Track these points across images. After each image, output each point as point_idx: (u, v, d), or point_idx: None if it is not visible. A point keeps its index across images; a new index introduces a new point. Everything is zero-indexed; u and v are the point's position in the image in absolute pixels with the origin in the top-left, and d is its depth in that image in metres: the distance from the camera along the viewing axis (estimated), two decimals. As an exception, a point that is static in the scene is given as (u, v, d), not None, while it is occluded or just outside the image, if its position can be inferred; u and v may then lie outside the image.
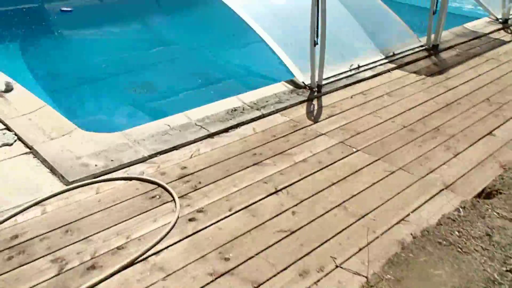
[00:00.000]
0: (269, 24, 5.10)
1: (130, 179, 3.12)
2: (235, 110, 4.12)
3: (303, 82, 4.71)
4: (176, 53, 6.95)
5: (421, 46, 6.04)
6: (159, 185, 3.07)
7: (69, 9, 7.46)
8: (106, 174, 3.13)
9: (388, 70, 5.35)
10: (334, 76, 4.97)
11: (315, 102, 4.53)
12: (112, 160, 3.24)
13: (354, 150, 3.74)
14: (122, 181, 3.11)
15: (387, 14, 6.21)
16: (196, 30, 7.90)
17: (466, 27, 7.16)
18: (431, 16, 5.93)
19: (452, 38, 6.62)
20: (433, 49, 6.03)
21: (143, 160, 3.33)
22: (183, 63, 6.52)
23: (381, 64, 5.44)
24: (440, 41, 6.09)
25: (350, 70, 5.15)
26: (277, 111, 4.23)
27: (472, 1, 8.30)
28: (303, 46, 5.13)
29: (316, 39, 4.44)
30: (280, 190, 3.16)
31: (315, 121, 4.16)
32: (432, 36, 6.03)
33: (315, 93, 4.62)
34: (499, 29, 7.20)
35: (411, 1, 9.16)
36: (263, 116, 4.12)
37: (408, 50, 5.88)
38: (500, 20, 7.45)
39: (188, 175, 3.25)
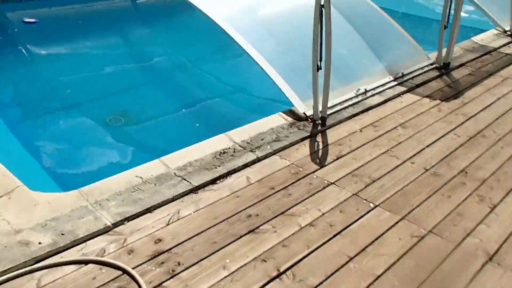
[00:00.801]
0: (259, 40, 4.36)
1: (86, 262, 2.34)
2: (225, 152, 3.35)
3: (304, 113, 3.97)
4: (157, 72, 6.13)
5: (431, 64, 5.36)
6: (125, 271, 2.29)
7: (32, 20, 6.59)
8: (53, 255, 2.34)
9: (399, 95, 4.65)
10: (340, 103, 4.24)
11: (319, 138, 3.79)
12: (63, 234, 2.45)
13: (372, 206, 3.01)
14: (75, 266, 2.32)
15: (393, 28, 5.52)
16: (180, 42, 7.11)
17: (474, 41, 6.49)
18: (442, 31, 5.24)
19: (462, 54, 5.95)
20: (444, 68, 5.34)
21: (105, 230, 2.55)
22: (164, 84, 5.72)
23: (390, 87, 4.73)
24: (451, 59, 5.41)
25: (357, 96, 4.43)
26: (275, 152, 3.48)
27: (476, 11, 7.66)
28: (302, 68, 4.44)
29: (319, 63, 3.70)
30: (284, 272, 2.42)
31: (321, 165, 3.42)
32: (443, 52, 5.35)
33: (319, 127, 3.88)
34: (509, 43, 6.57)
35: (412, 11, 8.50)
36: (258, 160, 3.37)
37: (418, 69, 5.18)
38: (509, 33, 6.82)
39: (164, 252, 2.47)
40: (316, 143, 3.72)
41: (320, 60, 3.66)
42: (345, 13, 5.11)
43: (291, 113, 4.02)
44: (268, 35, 4.60)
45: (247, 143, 3.52)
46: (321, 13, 3.49)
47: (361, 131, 3.96)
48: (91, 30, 6.81)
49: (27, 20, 6.56)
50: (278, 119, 3.92)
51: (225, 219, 2.76)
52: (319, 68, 3.72)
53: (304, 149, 3.61)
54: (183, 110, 5.00)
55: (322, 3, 3.41)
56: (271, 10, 5.03)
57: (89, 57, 6.12)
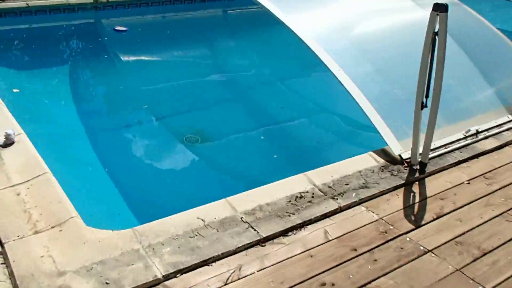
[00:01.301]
0: (352, 64, 3.86)
1: (126, 323, 2.01)
2: (301, 197, 2.90)
3: (399, 156, 3.39)
4: (240, 88, 5.85)
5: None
6: None
7: (123, 28, 6.64)
8: (92, 309, 2.05)
9: (519, 139, 3.88)
10: (444, 146, 3.60)
11: (416, 188, 3.19)
12: (107, 283, 2.16)
13: (481, 290, 2.37)
14: (113, 327, 2.00)
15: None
16: (268, 56, 6.78)
17: None
18: None
19: None
20: None
21: (154, 283, 2.22)
22: (246, 102, 5.40)
23: (508, 129, 3.97)
24: None
25: (466, 138, 3.75)
26: (361, 201, 2.96)
27: None
28: (401, 100, 3.86)
29: (425, 100, 3.12)
30: None
31: (417, 224, 2.83)
32: None
33: (417, 174, 3.29)
34: None
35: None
36: (340, 210, 2.87)
37: (544, 107, 4.33)
38: None
39: (216, 322, 2.08)
40: (412, 194, 3.13)
41: (427, 97, 3.07)
42: (454, 34, 4.42)
43: (384, 153, 3.46)
44: (362, 58, 4.08)
45: (328, 187, 3.03)
46: (433, 40, 2.91)
47: (469, 183, 3.30)
48: (178, 40, 6.74)
49: (118, 28, 6.64)
50: (367, 160, 3.39)
51: (293, 286, 2.30)
52: (424, 106, 3.13)
53: (396, 200, 3.04)
54: (262, 137, 4.61)
55: (436, 30, 2.83)
56: (367, 29, 4.50)
57: (173, 68, 6.02)
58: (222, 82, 5.95)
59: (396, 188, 3.15)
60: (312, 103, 5.53)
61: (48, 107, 4.58)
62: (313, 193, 2.95)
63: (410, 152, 3.37)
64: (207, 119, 4.93)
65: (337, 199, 2.93)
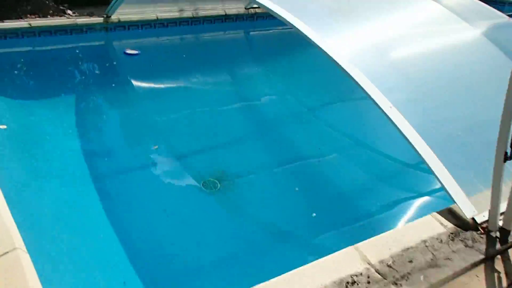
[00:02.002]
0: (403, 99, 3.23)
1: None
2: (354, 282, 2.23)
3: (472, 219, 2.70)
4: (266, 120, 5.21)
5: None
6: None
7: (135, 52, 6.11)
8: None
9: None
10: (526, 205, 2.89)
11: (499, 265, 2.49)
12: None
13: None
14: None
15: None
16: (297, 83, 6.18)
17: None
18: None
19: None
20: None
21: None
22: (273, 138, 4.77)
23: None
24: None
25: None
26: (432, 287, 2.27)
27: None
28: (469, 143, 3.19)
29: (509, 149, 2.45)
30: None
31: (511, 322, 2.13)
32: None
33: (498, 245, 2.59)
34: None
35: None
36: (405, 302, 2.19)
37: None
38: None
39: None
40: (496, 275, 2.42)
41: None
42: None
43: (451, 215, 2.77)
44: (416, 93, 3.44)
45: (387, 266, 2.35)
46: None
47: None
48: (195, 65, 6.16)
49: (129, 52, 6.11)
50: (431, 224, 2.70)
51: None
52: (508, 157, 2.46)
53: (477, 284, 2.34)
54: (296, 188, 3.94)
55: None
56: (413, 55, 3.87)
57: (189, 97, 5.41)
58: (246, 114, 5.32)
59: (474, 265, 2.45)
60: (352, 139, 4.87)
61: (39, 147, 4.00)
62: (368, 276, 2.28)
63: (486, 214, 2.68)
64: (228, 159, 4.31)
65: (400, 285, 2.25)
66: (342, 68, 3.21)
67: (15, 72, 5.52)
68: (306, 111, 5.48)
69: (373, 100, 3.03)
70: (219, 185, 3.99)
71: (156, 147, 4.25)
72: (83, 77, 5.60)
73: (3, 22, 5.81)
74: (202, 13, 7.33)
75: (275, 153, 4.58)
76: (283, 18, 3.68)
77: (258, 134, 4.95)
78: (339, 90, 5.92)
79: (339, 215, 3.55)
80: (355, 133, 5.06)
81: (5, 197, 2.50)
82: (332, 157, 4.52)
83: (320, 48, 3.35)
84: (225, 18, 7.55)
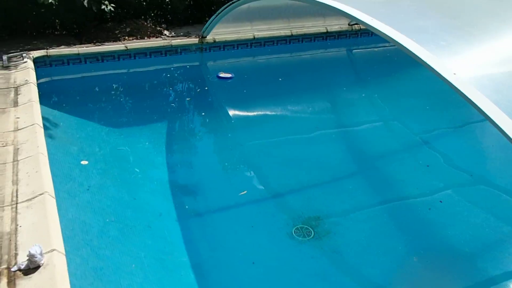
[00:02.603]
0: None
1: None
2: None
3: None
4: (370, 154, 4.56)
5: None
6: None
7: (228, 75, 5.80)
8: None
9: None
10: None
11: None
12: None
13: None
14: None
15: None
16: (408, 108, 5.45)
17: None
18: None
19: None
20: None
21: None
22: (378, 175, 4.12)
23: None
24: None
25: None
26: None
27: None
28: None
29: None
30: None
31: None
32: None
33: None
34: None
35: None
36: None
37: None
38: None
39: None
40: None
41: None
42: None
43: None
44: None
45: None
46: None
47: None
48: (291, 89, 5.69)
49: (222, 75, 5.82)
50: None
51: None
52: None
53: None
54: (415, 258, 3.27)
55: None
56: None
57: (283, 127, 4.93)
58: (347, 146, 4.72)
59: None
60: (474, 175, 4.05)
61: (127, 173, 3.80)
62: None
63: None
64: (326, 200, 3.75)
65: None
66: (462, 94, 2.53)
67: (105, 95, 5.52)
68: (419, 142, 4.73)
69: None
70: (313, 232, 3.47)
71: (245, 192, 3.83)
72: (173, 104, 5.38)
73: (102, 45, 5.90)
74: (301, 30, 6.90)
75: (380, 194, 3.91)
76: (389, 37, 3.06)
77: (362, 170, 4.31)
78: (457, 115, 5.08)
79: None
80: (477, 168, 4.23)
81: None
82: (448, 198, 3.76)
83: (446, 80, 2.70)
84: (327, 35, 7.05)
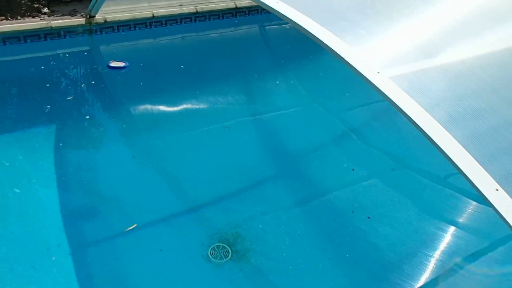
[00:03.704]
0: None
1: None
2: None
3: None
4: (292, 154, 4.20)
5: None
6: None
7: (121, 64, 5.03)
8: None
9: None
10: None
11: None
12: None
13: None
14: None
15: None
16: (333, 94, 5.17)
17: None
18: None
19: None
20: None
21: None
22: (302, 178, 3.77)
23: None
24: None
25: None
26: None
27: None
28: None
29: None
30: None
31: None
32: None
33: None
34: None
35: None
36: None
37: None
38: None
39: None
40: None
41: None
42: None
43: None
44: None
45: None
46: None
47: None
48: (198, 78, 5.12)
49: (113, 64, 5.04)
50: None
51: None
52: None
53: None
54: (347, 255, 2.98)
55: None
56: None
57: (188, 125, 4.35)
58: (267, 141, 4.30)
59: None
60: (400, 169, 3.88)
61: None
62: None
63: None
64: (244, 211, 3.34)
65: None
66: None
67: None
68: (341, 134, 4.47)
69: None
70: (230, 252, 3.06)
71: (134, 226, 3.25)
72: (49, 107, 4.38)
73: None
74: (207, 6, 6.34)
75: (304, 198, 3.58)
76: (299, 25, 2.63)
77: (283, 169, 3.95)
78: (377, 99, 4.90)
79: None
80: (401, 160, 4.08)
81: None
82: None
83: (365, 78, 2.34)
84: (236, 12, 6.56)
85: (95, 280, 2.87)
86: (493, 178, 1.88)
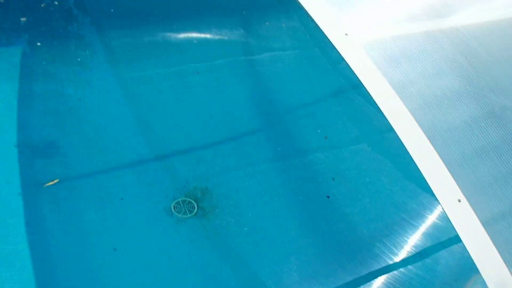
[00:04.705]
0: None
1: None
2: None
3: None
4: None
5: None
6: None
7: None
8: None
9: None
10: None
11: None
12: None
13: None
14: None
15: None
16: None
17: None
18: None
19: None
20: None
21: None
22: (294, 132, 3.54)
23: None
24: None
25: None
26: None
27: None
28: None
29: None
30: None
31: None
32: None
33: None
34: None
35: None
36: None
37: None
38: None
39: None
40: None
41: None
42: None
43: None
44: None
45: None
46: None
47: None
48: (185, 5, 4.71)
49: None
50: None
51: None
52: None
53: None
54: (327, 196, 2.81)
55: None
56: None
57: (170, 62, 4.06)
58: (255, 89, 4.01)
59: None
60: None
61: None
62: None
63: None
64: (217, 165, 3.17)
65: None
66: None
67: None
68: (344, 86, 4.13)
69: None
70: (196, 207, 2.93)
71: (55, 181, 3.05)
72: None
73: None
74: None
75: (284, 159, 3.37)
76: None
77: (268, 124, 3.71)
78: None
79: None
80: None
81: None
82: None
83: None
84: None
85: (47, 224, 2.80)
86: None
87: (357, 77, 3.47)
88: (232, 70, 3.74)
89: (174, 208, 2.94)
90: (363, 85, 3.51)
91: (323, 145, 3.41)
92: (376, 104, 3.73)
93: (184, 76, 3.61)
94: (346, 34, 1.77)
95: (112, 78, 3.47)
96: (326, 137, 3.42)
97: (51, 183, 2.96)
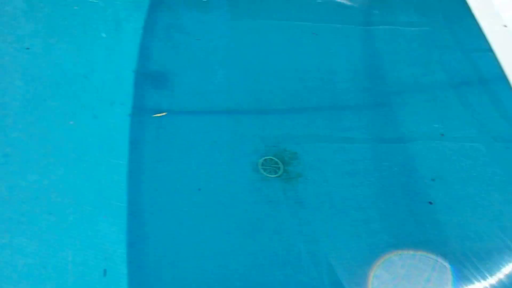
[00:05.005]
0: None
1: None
2: None
3: None
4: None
5: None
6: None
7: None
8: None
9: None
10: None
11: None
12: None
13: None
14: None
15: None
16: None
17: None
18: None
19: None
20: None
21: None
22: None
23: None
24: None
25: None
26: None
27: None
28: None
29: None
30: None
31: None
32: None
33: None
34: None
35: None
36: None
37: None
38: None
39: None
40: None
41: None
42: None
43: None
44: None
45: None
46: None
47: None
48: None
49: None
50: None
51: None
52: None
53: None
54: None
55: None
56: None
57: (284, 16, 3.94)
58: (366, 55, 3.78)
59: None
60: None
61: None
62: None
63: None
64: (316, 134, 3.09)
65: None
66: None
67: None
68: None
69: None
70: (282, 169, 2.92)
71: (163, 114, 3.13)
72: None
73: None
74: None
75: (392, 140, 3.17)
76: None
77: (382, 98, 3.49)
78: None
79: None
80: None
81: None
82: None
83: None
84: None
85: (146, 147, 2.96)
86: None
87: (500, 72, 3.11)
88: (348, 37, 3.55)
89: (261, 165, 2.96)
90: (505, 81, 3.14)
91: (431, 138, 3.16)
92: (505, 108, 3.33)
93: (299, 34, 3.52)
94: (505, 26, 1.57)
95: (230, 23, 3.51)
96: (442, 135, 3.15)
97: (160, 114, 3.15)
